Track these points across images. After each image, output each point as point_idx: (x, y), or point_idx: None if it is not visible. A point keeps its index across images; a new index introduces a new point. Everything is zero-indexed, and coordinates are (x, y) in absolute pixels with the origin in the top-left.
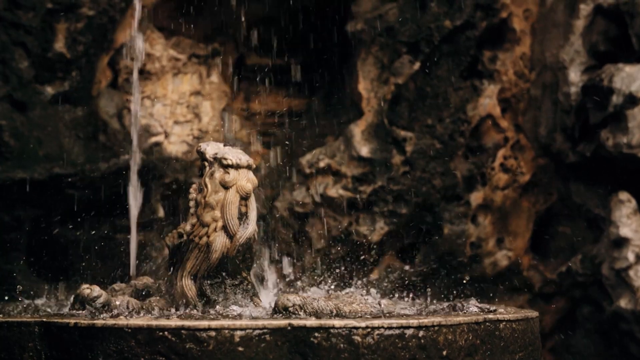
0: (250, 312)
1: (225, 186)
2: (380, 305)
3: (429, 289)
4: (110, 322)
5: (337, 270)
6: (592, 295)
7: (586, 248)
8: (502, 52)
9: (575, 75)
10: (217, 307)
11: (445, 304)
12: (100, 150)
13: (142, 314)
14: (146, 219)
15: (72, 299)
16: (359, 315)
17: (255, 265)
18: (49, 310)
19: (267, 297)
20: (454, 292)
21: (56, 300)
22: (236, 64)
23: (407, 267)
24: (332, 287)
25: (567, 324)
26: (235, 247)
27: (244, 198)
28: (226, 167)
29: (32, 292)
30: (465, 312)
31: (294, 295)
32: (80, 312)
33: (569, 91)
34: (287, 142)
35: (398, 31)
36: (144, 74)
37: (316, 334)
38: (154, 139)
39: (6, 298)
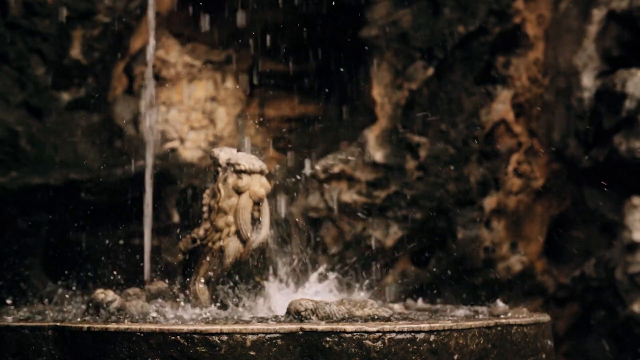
0: (262, 316)
1: (239, 191)
2: (392, 309)
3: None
4: (123, 326)
5: (351, 275)
6: (605, 299)
7: (600, 253)
8: (515, 57)
9: (588, 81)
10: (230, 311)
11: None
12: (115, 156)
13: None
14: (161, 224)
15: (86, 303)
16: (371, 319)
17: (268, 269)
18: (63, 314)
19: (281, 302)
20: (468, 296)
21: (71, 305)
22: (251, 70)
23: (421, 272)
24: (346, 291)
25: (581, 328)
26: (249, 252)
27: (257, 203)
28: (239, 172)
29: (47, 297)
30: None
31: (306, 299)
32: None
33: (582, 96)
34: (301, 148)
35: (412, 37)
36: (159, 80)
37: (328, 339)
38: (169, 145)
39: (22, 302)
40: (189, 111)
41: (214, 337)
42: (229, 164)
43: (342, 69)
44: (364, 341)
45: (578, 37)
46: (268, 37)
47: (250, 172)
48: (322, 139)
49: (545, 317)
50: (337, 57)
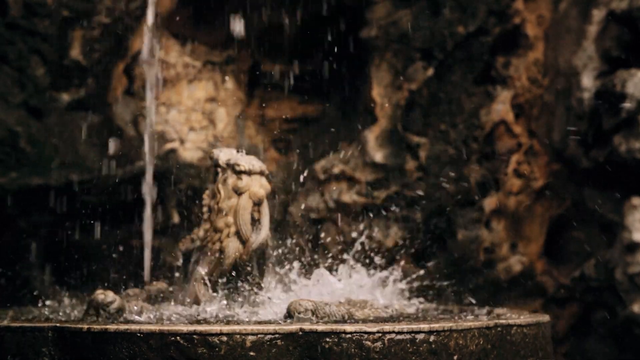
0: (262, 317)
1: (238, 192)
2: (392, 310)
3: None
4: (123, 327)
5: (351, 276)
6: (605, 300)
7: (600, 253)
8: (515, 57)
9: (588, 81)
10: (229, 312)
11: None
12: (115, 156)
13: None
14: (161, 224)
15: (86, 304)
16: (371, 320)
17: (268, 270)
18: (63, 315)
19: (281, 302)
20: (468, 297)
21: (71, 305)
22: (251, 70)
23: (420, 272)
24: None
25: (581, 329)
26: (248, 253)
27: (257, 204)
28: (239, 173)
29: (47, 298)
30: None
31: (305, 300)
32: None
33: (582, 97)
34: (301, 148)
35: (412, 37)
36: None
37: (327, 339)
38: (169, 146)
39: (21, 302)
40: (189, 112)
41: (213, 337)
42: (228, 164)
43: (342, 70)
44: (363, 342)
45: (578, 37)
46: (269, 38)
47: (250, 173)
48: (322, 140)
49: (545, 318)
50: (337, 57)
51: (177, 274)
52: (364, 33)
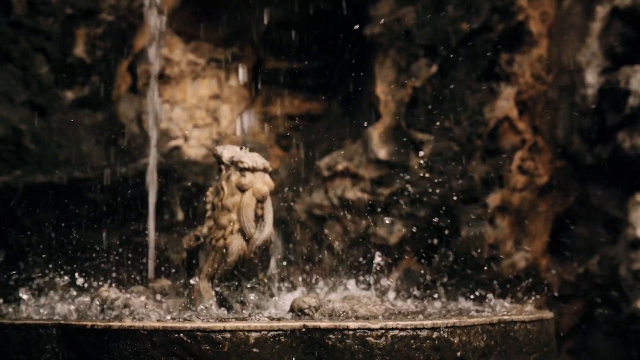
0: (266, 314)
1: (242, 189)
2: (395, 307)
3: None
4: (127, 324)
5: (355, 273)
6: (609, 296)
7: (604, 250)
8: (519, 54)
9: (592, 78)
10: (234, 309)
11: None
12: (119, 154)
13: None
14: (165, 222)
15: (90, 301)
16: (374, 316)
17: (272, 267)
18: (67, 312)
19: (284, 299)
20: (472, 294)
21: (75, 303)
22: (255, 67)
23: (425, 269)
24: (350, 289)
25: (585, 325)
26: (252, 250)
27: (260, 201)
28: (242, 170)
29: (51, 295)
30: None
31: (309, 297)
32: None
33: (585, 93)
34: (305, 145)
35: (415, 34)
36: (163, 78)
37: (331, 336)
38: (173, 143)
39: (26, 300)
40: (193, 109)
41: (217, 334)
42: (232, 161)
43: (345, 67)
44: (367, 338)
45: (581, 34)
46: (272, 35)
47: (253, 170)
48: (326, 137)
49: (548, 314)
50: (341, 54)
51: (181, 272)
52: (368, 30)
